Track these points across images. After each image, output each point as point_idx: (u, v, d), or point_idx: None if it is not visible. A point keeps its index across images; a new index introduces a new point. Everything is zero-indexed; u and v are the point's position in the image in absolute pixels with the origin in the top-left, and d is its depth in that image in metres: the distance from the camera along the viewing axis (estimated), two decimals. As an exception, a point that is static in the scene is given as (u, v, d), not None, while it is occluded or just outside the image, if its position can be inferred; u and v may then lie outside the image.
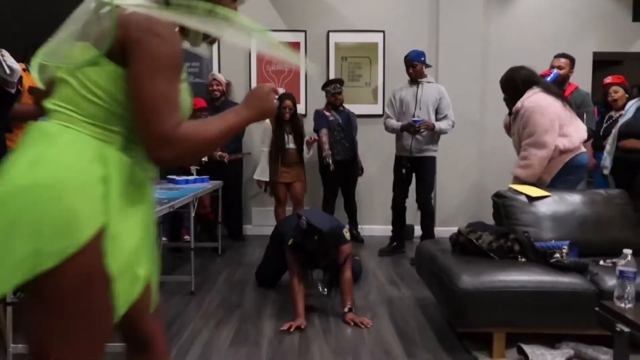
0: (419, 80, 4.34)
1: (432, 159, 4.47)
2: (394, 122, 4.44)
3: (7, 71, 2.48)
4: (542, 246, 2.54)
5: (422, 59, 4.33)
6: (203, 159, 4.47)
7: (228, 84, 5.07)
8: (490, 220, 2.99)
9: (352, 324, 2.85)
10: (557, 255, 2.46)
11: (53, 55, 1.14)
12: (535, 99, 3.02)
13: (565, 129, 3.01)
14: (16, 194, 1.01)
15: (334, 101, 4.78)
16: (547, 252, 2.49)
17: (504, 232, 2.67)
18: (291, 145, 4.64)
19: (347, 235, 3.09)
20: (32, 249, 0.98)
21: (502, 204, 2.86)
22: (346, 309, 2.93)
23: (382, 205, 5.34)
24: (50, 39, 1.17)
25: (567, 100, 3.23)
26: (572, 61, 4.02)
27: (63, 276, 1.01)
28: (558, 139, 2.98)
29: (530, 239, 2.58)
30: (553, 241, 2.58)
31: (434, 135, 4.37)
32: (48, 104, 1.11)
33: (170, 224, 4.68)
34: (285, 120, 4.55)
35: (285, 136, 4.60)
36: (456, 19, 5.17)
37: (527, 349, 2.36)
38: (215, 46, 5.33)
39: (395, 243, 4.66)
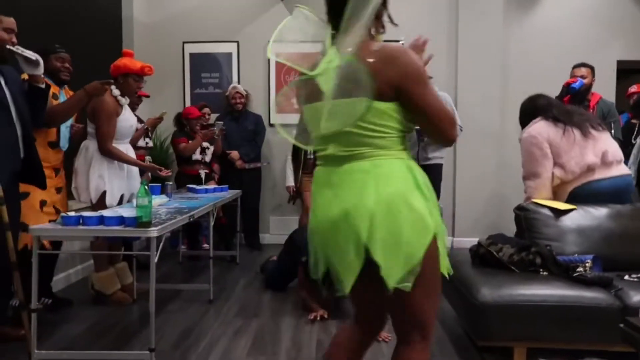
0: None
1: (439, 167, 4.54)
2: None
3: (33, 57, 2.50)
4: (565, 260, 2.49)
5: None
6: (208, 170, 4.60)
7: (247, 95, 5.12)
8: (509, 232, 2.95)
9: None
10: (580, 269, 2.41)
11: (330, 124, 1.36)
12: (531, 129, 2.94)
13: (561, 159, 2.83)
14: (399, 201, 1.33)
15: None
16: (570, 266, 2.45)
17: (525, 244, 2.64)
18: (312, 154, 4.70)
19: None
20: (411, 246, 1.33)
21: (524, 216, 2.82)
22: None
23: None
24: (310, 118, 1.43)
25: (581, 123, 2.89)
26: (592, 70, 3.97)
27: (426, 262, 1.35)
28: (554, 168, 2.86)
29: (552, 252, 2.54)
30: (576, 255, 2.53)
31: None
32: (336, 151, 1.39)
33: (189, 233, 4.72)
34: None
35: None
36: (475, 26, 5.14)
37: (549, 364, 2.32)
38: (234, 57, 5.40)
39: None
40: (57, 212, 2.98)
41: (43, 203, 2.91)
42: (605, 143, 2.86)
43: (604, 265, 2.50)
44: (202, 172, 4.46)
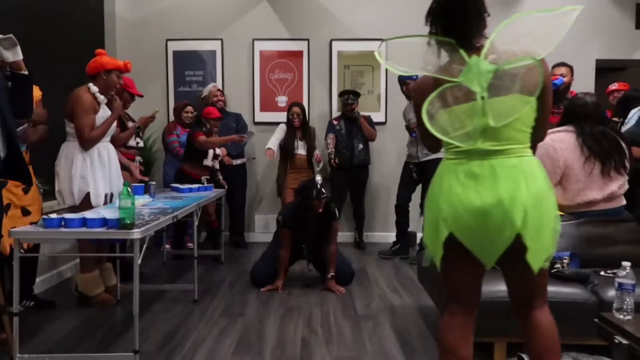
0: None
1: (439, 161, 4.52)
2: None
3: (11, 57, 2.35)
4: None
5: (414, 77, 4.40)
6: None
7: (224, 97, 5.13)
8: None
9: (331, 289, 3.59)
10: (558, 265, 2.47)
11: (499, 117, 1.56)
12: (556, 137, 2.79)
13: (568, 183, 2.77)
14: (543, 197, 1.58)
15: (345, 111, 4.96)
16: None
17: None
18: (301, 151, 4.80)
19: (337, 212, 3.78)
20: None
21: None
22: (329, 276, 3.65)
23: (385, 212, 5.37)
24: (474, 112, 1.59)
25: (606, 158, 2.75)
26: (571, 69, 4.05)
27: None
28: (555, 185, 2.77)
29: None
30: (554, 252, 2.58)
31: None
32: (486, 146, 1.59)
33: (174, 232, 4.70)
34: (296, 127, 4.83)
35: (296, 141, 4.85)
36: (458, 26, 5.19)
37: (527, 358, 2.37)
38: (219, 55, 5.38)
39: (397, 246, 4.74)
40: (26, 212, 2.91)
41: (8, 207, 2.82)
42: (617, 185, 2.78)
43: (581, 262, 2.56)
44: (204, 179, 4.38)
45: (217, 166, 4.59)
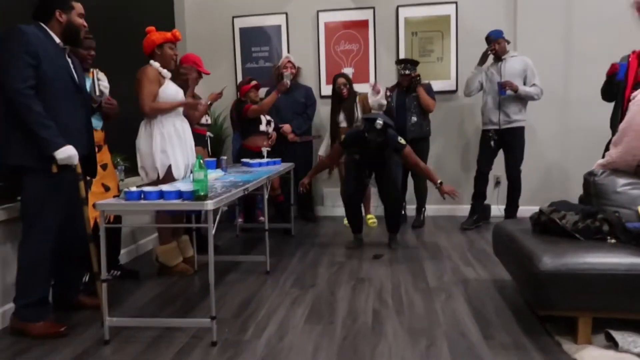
0: (503, 57, 4.43)
1: (521, 130, 4.47)
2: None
3: (97, 93, 2.69)
4: (635, 227, 2.35)
5: (503, 35, 4.43)
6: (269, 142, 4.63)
7: (298, 68, 5.10)
8: (572, 201, 2.80)
9: (448, 193, 3.77)
10: (652, 236, 2.27)
11: None
12: None
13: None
14: None
15: (401, 81, 4.72)
16: (640, 233, 2.30)
17: (591, 211, 2.50)
18: (343, 124, 4.69)
19: (402, 140, 3.87)
20: None
21: (593, 181, 2.67)
22: (439, 183, 3.81)
23: (454, 184, 5.20)
24: None
25: None
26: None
27: None
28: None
29: (621, 219, 2.40)
30: (647, 221, 2.38)
31: (521, 105, 4.41)
32: None
33: (244, 206, 4.83)
34: (342, 99, 4.72)
35: (339, 116, 4.76)
36: (535, -16, 4.84)
37: (617, 335, 2.22)
38: (284, 29, 5.37)
39: (476, 216, 4.61)
40: (107, 188, 3.10)
41: (89, 183, 3.02)
42: None
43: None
44: (265, 150, 4.49)
45: (271, 130, 4.67)
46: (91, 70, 2.75)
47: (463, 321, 2.59)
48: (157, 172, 3.27)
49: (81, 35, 2.62)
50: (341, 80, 4.73)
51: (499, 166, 4.67)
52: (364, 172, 4.03)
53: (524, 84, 4.36)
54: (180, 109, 3.42)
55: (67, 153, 2.43)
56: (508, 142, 4.45)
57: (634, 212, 2.46)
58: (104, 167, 3.16)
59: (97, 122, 3.11)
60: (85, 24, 2.63)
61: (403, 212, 4.74)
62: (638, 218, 2.41)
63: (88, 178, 2.90)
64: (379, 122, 3.68)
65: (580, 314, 2.25)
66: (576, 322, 2.27)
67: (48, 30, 2.50)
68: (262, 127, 4.58)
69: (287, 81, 4.41)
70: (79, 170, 2.54)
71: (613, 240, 2.37)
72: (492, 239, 3.08)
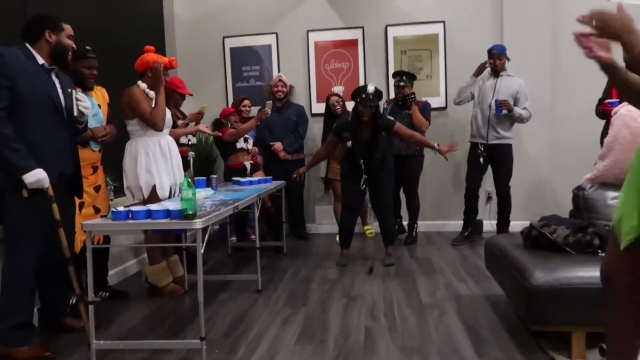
0: (500, 73, 4.45)
1: (509, 147, 4.50)
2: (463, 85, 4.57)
3: (76, 114, 2.63)
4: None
5: (506, 52, 4.47)
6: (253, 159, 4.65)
7: (290, 87, 5.13)
8: (563, 215, 2.81)
9: (446, 149, 3.93)
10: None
11: None
12: (631, 107, 2.55)
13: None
14: None
15: (396, 94, 4.72)
16: (631, 246, 2.30)
17: (581, 225, 2.50)
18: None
19: (391, 118, 4.06)
20: None
21: (582, 196, 2.68)
22: (437, 145, 3.93)
23: (445, 199, 5.21)
24: None
25: None
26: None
27: None
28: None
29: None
30: (637, 234, 2.38)
31: (509, 123, 4.44)
32: None
33: (236, 225, 4.80)
34: (336, 116, 4.78)
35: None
36: (522, 2, 4.92)
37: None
38: (274, 49, 5.42)
39: (467, 232, 4.61)
40: (97, 210, 3.09)
41: (82, 205, 3.01)
42: None
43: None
44: (247, 164, 4.53)
45: (250, 147, 4.67)
46: (70, 91, 2.70)
47: (456, 338, 2.56)
48: (142, 192, 3.25)
49: (68, 56, 2.61)
50: (334, 97, 4.88)
51: (490, 181, 4.69)
52: (360, 179, 4.01)
53: (514, 104, 4.38)
54: (166, 125, 3.42)
55: (36, 177, 2.37)
56: (496, 159, 4.48)
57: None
58: (97, 189, 3.14)
59: (94, 143, 3.11)
60: (73, 45, 2.64)
61: (397, 227, 4.74)
62: None
63: (79, 200, 2.89)
64: (370, 87, 3.88)
65: (573, 329, 2.23)
66: (570, 338, 2.25)
67: (32, 50, 2.49)
68: (240, 145, 4.59)
69: (267, 110, 4.32)
70: (51, 192, 2.46)
71: (604, 254, 2.36)
72: (484, 254, 3.07)
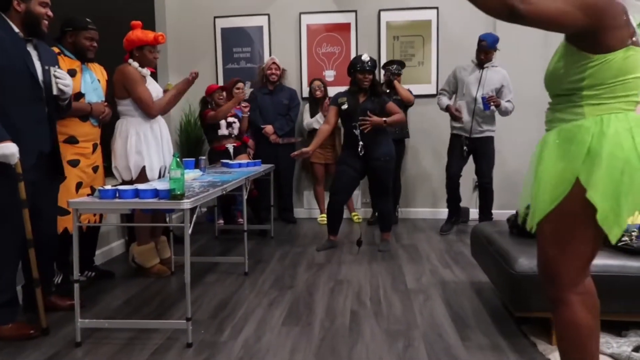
0: (485, 64, 4.36)
1: (492, 139, 4.48)
2: (445, 100, 4.45)
3: (55, 92, 2.53)
4: (608, 228, 2.38)
5: (496, 44, 4.31)
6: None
7: (283, 70, 5.09)
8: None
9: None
10: (626, 238, 2.31)
11: None
12: None
13: None
14: None
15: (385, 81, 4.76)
16: (614, 235, 2.34)
17: (565, 213, 2.53)
18: (317, 126, 4.72)
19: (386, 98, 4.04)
20: None
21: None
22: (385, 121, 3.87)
23: (431, 186, 5.24)
24: None
25: None
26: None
27: None
28: None
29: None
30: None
31: (492, 116, 4.38)
32: None
33: (223, 208, 4.78)
34: (318, 99, 4.91)
35: (316, 117, 4.95)
36: (515, -9, 4.90)
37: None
38: (265, 30, 5.35)
39: (454, 219, 4.65)
40: (94, 191, 3.04)
41: (79, 185, 2.98)
42: None
43: (652, 234, 2.38)
44: (231, 146, 4.48)
45: (235, 132, 4.59)
46: (46, 68, 2.63)
47: (440, 322, 2.60)
48: (130, 173, 3.22)
49: (43, 25, 2.47)
50: (317, 82, 4.99)
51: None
52: (355, 165, 3.97)
53: (498, 96, 4.30)
54: None
55: (3, 151, 2.24)
56: (479, 150, 4.43)
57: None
58: (95, 169, 3.11)
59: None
60: (50, 13, 2.51)
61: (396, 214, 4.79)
62: None
63: (77, 180, 2.85)
64: (365, 55, 3.93)
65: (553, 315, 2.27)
66: (551, 324, 2.29)
67: (7, 20, 2.39)
68: (222, 131, 4.48)
69: (246, 92, 4.33)
70: (19, 169, 2.34)
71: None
72: (470, 241, 3.10)
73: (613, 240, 1.45)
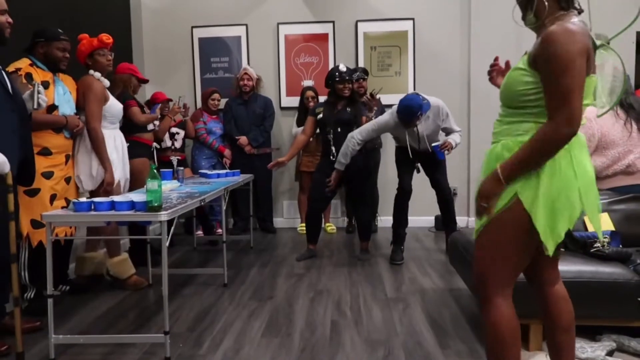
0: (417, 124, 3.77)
1: (437, 147, 3.97)
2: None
3: (35, 106, 2.55)
4: (582, 235, 2.44)
5: (419, 113, 3.64)
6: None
7: (258, 79, 5.10)
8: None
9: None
10: (598, 244, 2.36)
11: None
12: (590, 109, 2.71)
13: (604, 148, 2.78)
14: None
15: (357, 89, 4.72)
16: (587, 242, 2.39)
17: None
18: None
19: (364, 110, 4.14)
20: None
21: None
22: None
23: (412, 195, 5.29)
24: None
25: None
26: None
27: None
28: (593, 156, 2.76)
29: (569, 228, 2.48)
30: (594, 231, 2.47)
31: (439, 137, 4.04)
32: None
33: (202, 219, 4.73)
34: (307, 110, 4.76)
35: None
36: (489, 1, 5.02)
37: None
38: (244, 40, 5.36)
39: (403, 247, 4.19)
40: (69, 204, 2.98)
41: (53, 197, 2.92)
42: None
43: (623, 242, 2.44)
44: (174, 159, 4.31)
45: (179, 145, 4.51)
46: (33, 83, 2.59)
47: (420, 330, 2.61)
48: (93, 182, 3.17)
49: (6, 33, 2.43)
50: (309, 92, 4.94)
51: (456, 177, 4.77)
52: (329, 174, 3.92)
53: (444, 129, 3.95)
54: (118, 117, 3.36)
55: None
56: (428, 159, 4.04)
57: (581, 222, 2.55)
58: (68, 180, 3.05)
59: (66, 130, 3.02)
60: (9, 19, 2.46)
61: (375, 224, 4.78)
62: (585, 228, 2.50)
63: (51, 192, 2.80)
64: (342, 65, 3.99)
65: (531, 321, 2.31)
66: (528, 330, 2.32)
67: None
68: (166, 144, 4.42)
69: (174, 107, 4.18)
70: (9, 181, 2.26)
71: (562, 249, 2.44)
72: (448, 249, 3.13)
73: (550, 252, 1.53)
